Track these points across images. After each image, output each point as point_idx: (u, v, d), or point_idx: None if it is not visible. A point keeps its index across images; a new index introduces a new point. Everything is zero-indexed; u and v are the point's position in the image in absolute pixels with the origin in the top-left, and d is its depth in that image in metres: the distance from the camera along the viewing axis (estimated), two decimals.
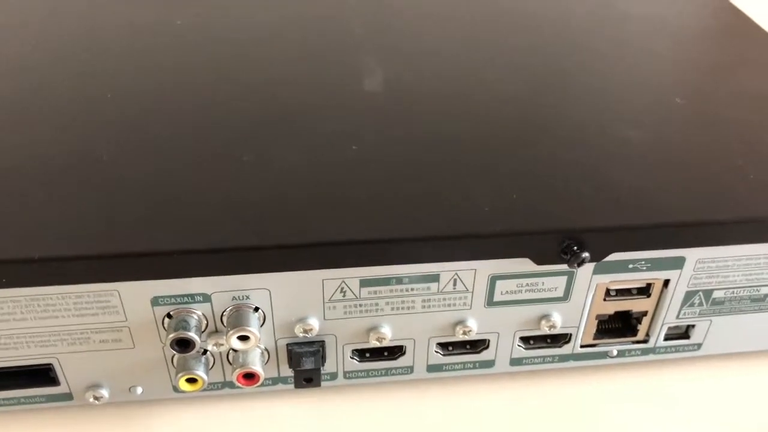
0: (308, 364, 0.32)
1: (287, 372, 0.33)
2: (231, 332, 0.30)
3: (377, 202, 0.30)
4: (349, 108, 0.36)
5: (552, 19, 0.45)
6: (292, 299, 0.31)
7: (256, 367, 0.31)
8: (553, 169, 0.32)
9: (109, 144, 0.33)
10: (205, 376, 0.31)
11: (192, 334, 0.30)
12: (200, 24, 0.44)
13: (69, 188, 0.30)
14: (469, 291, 0.31)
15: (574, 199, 0.30)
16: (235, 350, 0.31)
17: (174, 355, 0.31)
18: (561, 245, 0.29)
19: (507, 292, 0.31)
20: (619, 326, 0.35)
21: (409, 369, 0.34)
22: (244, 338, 0.30)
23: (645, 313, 0.34)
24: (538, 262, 0.30)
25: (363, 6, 0.46)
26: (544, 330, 0.33)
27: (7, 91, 0.37)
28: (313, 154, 0.33)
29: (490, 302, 0.32)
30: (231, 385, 0.33)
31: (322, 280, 0.30)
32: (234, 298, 0.30)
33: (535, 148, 0.33)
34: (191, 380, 0.31)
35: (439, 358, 0.34)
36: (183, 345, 0.30)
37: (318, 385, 0.33)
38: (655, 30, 0.44)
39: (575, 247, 0.29)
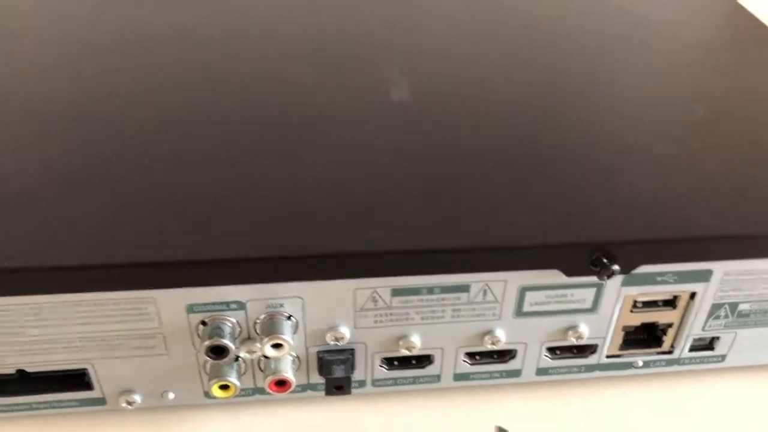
0: (339, 372, 0.33)
1: (317, 379, 0.34)
2: (265, 340, 0.30)
3: (409, 212, 0.31)
4: (375, 116, 0.37)
5: (571, 27, 0.46)
6: (324, 308, 0.31)
7: (288, 374, 0.32)
8: (581, 180, 0.32)
9: (141, 152, 0.33)
10: (237, 383, 0.32)
11: (227, 342, 0.30)
12: (219, 26, 0.44)
13: (107, 196, 0.31)
14: (498, 301, 0.32)
15: (604, 211, 0.31)
16: (267, 357, 0.32)
17: (207, 361, 0.32)
18: (591, 257, 0.30)
19: (536, 303, 0.32)
20: (644, 337, 0.35)
21: (437, 377, 0.35)
22: (277, 346, 0.31)
23: (671, 325, 0.34)
24: (569, 274, 0.30)
25: (384, 12, 0.47)
26: (571, 341, 0.33)
27: (36, 101, 0.37)
28: (342, 163, 0.33)
29: (519, 313, 0.32)
30: (262, 391, 0.34)
31: (355, 289, 0.31)
32: (268, 306, 0.31)
33: (562, 158, 0.34)
34: (224, 387, 0.32)
35: (466, 367, 0.34)
36: (218, 352, 0.30)
37: (348, 392, 0.33)
38: (669, 36, 0.45)
39: (605, 260, 0.30)
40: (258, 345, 0.31)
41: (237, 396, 0.33)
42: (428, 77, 0.40)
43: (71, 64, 0.40)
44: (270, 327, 0.31)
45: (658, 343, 0.35)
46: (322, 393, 0.34)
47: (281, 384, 0.32)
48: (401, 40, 0.44)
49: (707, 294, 0.33)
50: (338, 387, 0.33)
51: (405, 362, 0.34)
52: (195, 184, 0.31)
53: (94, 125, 0.35)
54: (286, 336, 0.30)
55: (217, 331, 0.30)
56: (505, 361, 0.34)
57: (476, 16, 0.47)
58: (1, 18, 0.45)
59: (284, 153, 0.33)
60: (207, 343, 0.30)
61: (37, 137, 0.34)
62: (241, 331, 0.31)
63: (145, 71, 0.40)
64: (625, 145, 0.35)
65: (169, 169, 0.32)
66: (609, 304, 0.32)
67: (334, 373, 0.33)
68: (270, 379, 0.32)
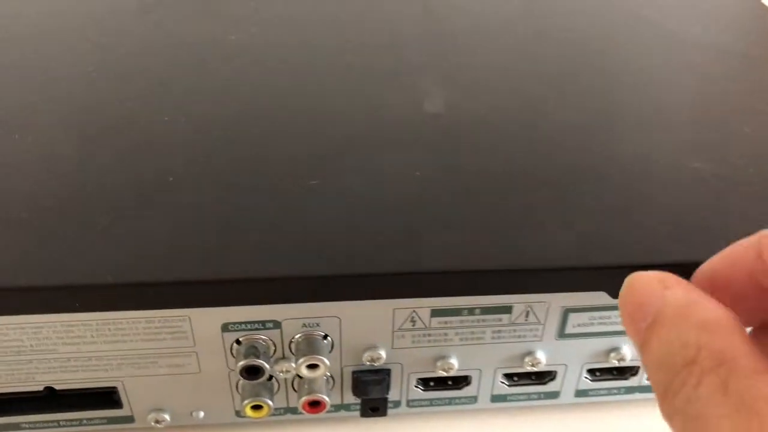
0: (374, 393, 0.32)
1: (351, 399, 0.33)
2: (301, 360, 0.30)
3: (449, 231, 0.30)
4: (411, 133, 0.35)
5: (609, 44, 0.45)
6: (361, 327, 0.30)
7: (323, 395, 0.31)
8: (626, 200, 0.31)
9: (176, 170, 0.32)
10: (271, 403, 0.31)
11: (262, 362, 0.29)
12: (254, 44, 0.43)
13: (141, 213, 0.30)
14: (541, 323, 0.31)
15: (650, 232, 0.30)
16: (301, 377, 0.31)
17: (239, 380, 0.31)
18: None
19: (579, 324, 0.31)
20: None
21: (473, 399, 0.34)
22: (313, 366, 0.30)
23: None
24: (615, 296, 0.29)
25: (418, 27, 0.46)
26: (613, 363, 0.32)
27: (76, 115, 0.36)
28: (379, 181, 0.32)
29: (561, 334, 0.31)
30: (294, 410, 0.33)
31: (393, 309, 0.30)
32: (304, 325, 0.30)
33: (605, 178, 0.33)
34: (257, 407, 0.31)
35: (504, 388, 0.33)
36: (252, 372, 0.30)
37: (384, 414, 0.32)
38: (708, 53, 0.44)
39: None
40: (293, 364, 0.30)
41: (269, 415, 0.32)
42: (464, 89, 0.39)
43: (110, 78, 0.39)
44: (306, 347, 0.30)
45: None
46: (356, 413, 0.33)
47: (315, 404, 0.31)
48: (437, 51, 0.43)
49: None
50: (374, 408, 0.32)
51: (441, 383, 0.33)
52: (231, 201, 0.30)
53: (131, 142, 0.34)
54: (323, 356, 0.30)
55: (252, 351, 0.30)
56: (544, 383, 0.33)
57: (513, 28, 0.46)
58: (51, 30, 0.44)
59: (318, 172, 0.32)
60: (242, 363, 0.29)
61: (75, 152, 0.33)
62: (275, 350, 0.30)
63: (179, 88, 0.38)
64: (671, 164, 0.34)
65: (205, 187, 0.31)
66: None
67: (370, 394, 0.32)
68: (304, 399, 0.31)
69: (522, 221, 0.30)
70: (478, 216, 0.30)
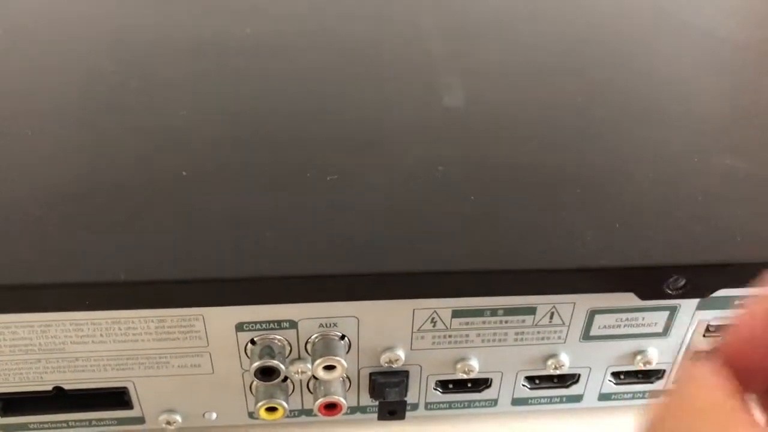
0: (392, 396, 0.31)
1: (367, 401, 0.32)
2: (318, 362, 0.29)
3: (472, 229, 0.28)
4: (431, 128, 0.34)
5: (635, 38, 0.43)
6: (379, 328, 0.29)
7: (340, 397, 0.30)
8: (655, 198, 0.30)
9: (191, 166, 0.31)
10: (286, 405, 0.30)
11: (278, 363, 0.28)
12: (271, 39, 0.42)
13: (155, 211, 0.29)
14: (565, 325, 0.30)
15: (681, 232, 0.29)
16: (317, 378, 0.30)
17: (253, 381, 0.30)
18: (668, 281, 0.28)
19: (605, 326, 0.30)
20: None
21: (494, 402, 0.33)
22: (330, 368, 0.29)
23: None
24: (643, 297, 0.28)
25: (439, 19, 0.45)
26: (638, 365, 0.31)
27: (85, 109, 0.35)
28: (399, 178, 0.31)
29: (586, 336, 0.30)
30: (309, 412, 0.32)
31: (413, 309, 0.29)
32: (321, 325, 0.29)
33: (634, 177, 0.31)
34: (271, 409, 0.30)
35: (525, 391, 0.32)
36: (267, 374, 0.29)
37: (402, 417, 0.31)
38: (737, 49, 0.43)
39: (684, 283, 0.28)
40: (309, 366, 0.29)
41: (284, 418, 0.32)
42: (486, 88, 0.38)
43: (125, 74, 0.38)
44: (323, 347, 0.29)
45: None
46: (373, 416, 0.32)
47: (331, 407, 0.30)
48: (455, 45, 0.42)
49: None
50: (392, 412, 0.31)
51: (461, 385, 0.32)
52: (248, 199, 0.29)
53: (144, 137, 0.33)
54: (340, 358, 0.29)
55: (267, 351, 0.29)
56: (567, 386, 0.32)
57: (535, 20, 0.45)
58: (64, 26, 0.43)
59: (338, 167, 0.31)
60: (257, 364, 0.28)
61: (87, 149, 0.32)
62: (291, 351, 0.29)
63: (204, 82, 0.37)
64: (701, 163, 0.32)
65: (219, 184, 0.30)
66: (681, 329, 0.31)
67: (387, 397, 0.31)
68: (320, 401, 0.30)
69: (547, 219, 0.29)
70: (502, 213, 0.29)
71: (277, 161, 0.32)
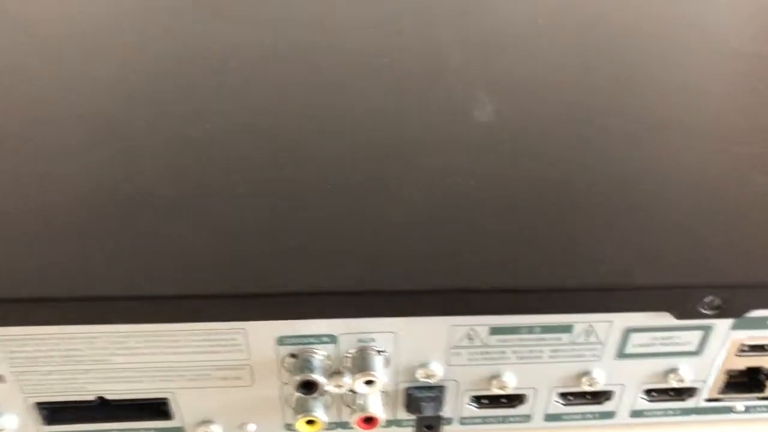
0: (428, 411, 0.31)
1: (403, 415, 0.32)
2: (357, 376, 0.29)
3: (509, 247, 0.29)
4: (462, 143, 0.35)
5: (662, 53, 0.44)
6: (417, 344, 0.30)
7: (378, 411, 0.30)
8: (689, 216, 0.31)
9: (232, 180, 0.32)
10: (325, 419, 0.30)
11: (319, 377, 0.29)
12: (294, 47, 0.42)
13: (199, 226, 0.29)
14: (601, 343, 0.30)
15: (717, 252, 0.29)
16: (354, 392, 0.30)
17: (293, 394, 0.31)
18: (704, 301, 0.28)
19: (640, 344, 0.30)
20: (745, 381, 0.33)
21: (527, 417, 0.33)
22: (369, 382, 0.29)
23: None
24: (679, 317, 0.29)
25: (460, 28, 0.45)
26: (671, 383, 0.32)
27: (117, 121, 0.36)
28: (434, 192, 0.31)
29: (621, 354, 0.31)
30: (345, 425, 0.33)
31: (450, 326, 0.29)
32: (360, 340, 0.29)
33: (665, 192, 0.32)
34: (310, 422, 0.31)
35: (559, 407, 0.33)
36: (308, 387, 0.29)
37: None
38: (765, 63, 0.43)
39: (720, 303, 0.28)
40: (347, 380, 0.30)
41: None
42: (515, 97, 0.38)
43: (150, 84, 0.39)
44: (362, 362, 0.29)
45: (760, 388, 0.33)
46: (407, 429, 0.33)
47: (369, 421, 0.31)
48: (482, 58, 0.42)
49: None
50: (429, 426, 0.31)
51: (495, 401, 0.33)
52: (288, 215, 0.30)
53: (184, 150, 0.34)
54: (379, 373, 0.29)
55: (308, 365, 0.29)
56: (600, 403, 0.33)
57: (563, 32, 0.45)
58: (85, 35, 0.44)
59: (375, 183, 0.32)
60: (298, 378, 0.29)
61: (123, 159, 0.33)
62: (330, 365, 0.30)
63: (230, 93, 0.38)
64: (735, 178, 0.33)
65: (260, 200, 0.31)
66: (715, 347, 0.31)
67: (424, 411, 0.31)
68: (359, 415, 0.30)
69: (584, 237, 0.29)
70: (540, 231, 0.30)
71: (309, 175, 0.32)
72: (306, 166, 0.33)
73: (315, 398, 0.30)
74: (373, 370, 0.29)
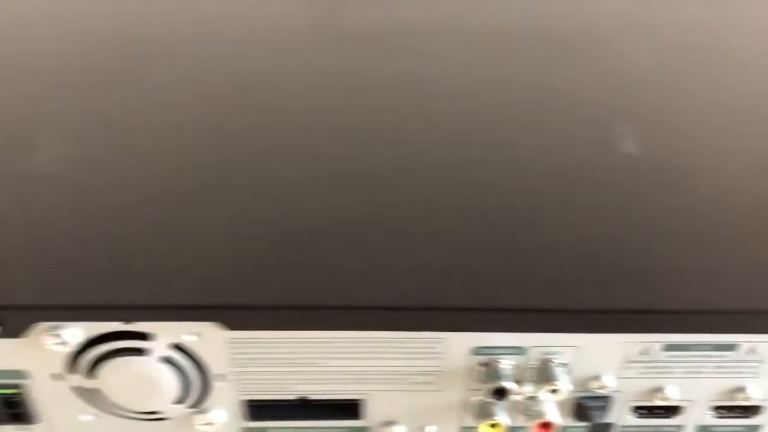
0: (596, 419, 0.34)
1: (568, 422, 0.35)
2: (545, 386, 0.32)
3: (677, 271, 0.32)
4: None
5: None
6: (594, 357, 0.33)
7: (556, 417, 0.34)
8: None
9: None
10: (508, 422, 0.34)
11: (512, 385, 0.32)
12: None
13: (414, 241, 0.33)
14: (761, 361, 0.33)
15: None
16: (532, 399, 0.34)
17: (476, 399, 0.34)
18: None
19: None
20: None
21: (679, 428, 0.36)
22: (554, 391, 0.33)
23: None
24: None
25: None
26: None
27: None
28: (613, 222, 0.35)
29: None
30: (517, 429, 0.36)
31: (627, 342, 0.33)
32: (545, 352, 0.33)
33: None
34: (493, 425, 0.34)
35: (710, 420, 0.36)
36: (501, 393, 0.32)
37: None
38: None
39: None
40: (532, 388, 0.33)
41: None
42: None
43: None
44: (546, 373, 0.33)
45: None
46: None
47: (546, 426, 0.34)
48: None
49: None
50: None
51: (653, 411, 0.36)
52: (487, 240, 0.34)
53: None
54: (563, 383, 0.32)
55: (499, 373, 0.32)
56: (749, 417, 0.36)
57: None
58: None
59: (557, 212, 0.36)
60: (493, 385, 0.32)
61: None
62: (516, 374, 0.33)
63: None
64: None
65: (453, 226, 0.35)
66: None
67: (592, 419, 0.34)
68: (538, 420, 0.34)
69: (749, 262, 0.33)
70: (710, 255, 0.33)
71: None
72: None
73: (502, 404, 0.34)
74: (557, 380, 0.32)
